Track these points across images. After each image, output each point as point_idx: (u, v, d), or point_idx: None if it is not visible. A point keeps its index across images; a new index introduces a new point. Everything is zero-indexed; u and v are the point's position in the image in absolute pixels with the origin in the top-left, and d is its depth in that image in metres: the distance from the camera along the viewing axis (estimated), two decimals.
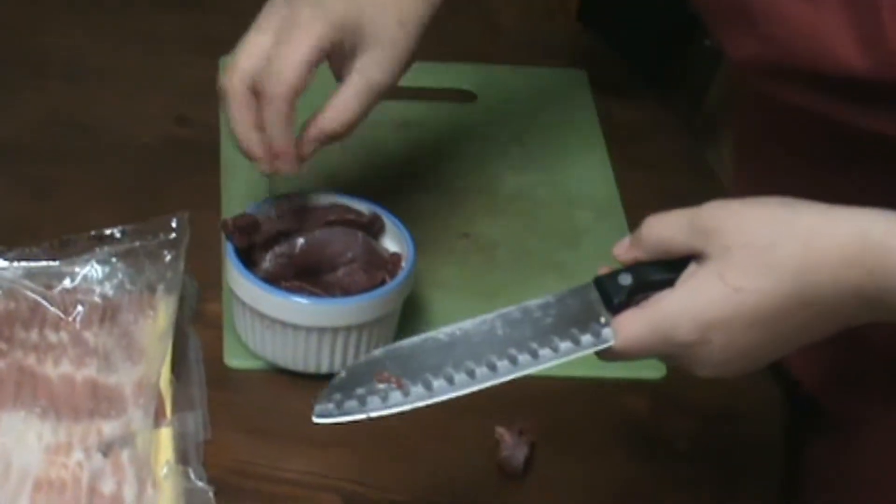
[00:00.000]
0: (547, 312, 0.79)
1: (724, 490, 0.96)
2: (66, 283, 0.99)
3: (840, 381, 1.01)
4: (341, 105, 0.94)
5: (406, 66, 0.96)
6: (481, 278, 1.07)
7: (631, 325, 0.77)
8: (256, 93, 0.93)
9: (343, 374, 0.78)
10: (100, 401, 0.93)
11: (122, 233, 1.01)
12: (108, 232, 1.02)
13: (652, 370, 0.99)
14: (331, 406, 0.77)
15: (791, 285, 0.74)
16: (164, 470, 0.89)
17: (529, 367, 0.78)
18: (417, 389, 0.77)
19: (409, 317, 1.01)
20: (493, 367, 0.77)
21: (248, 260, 0.96)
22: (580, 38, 1.36)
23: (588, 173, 1.18)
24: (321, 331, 0.94)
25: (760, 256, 0.74)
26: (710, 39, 1.06)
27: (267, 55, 0.92)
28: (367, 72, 0.94)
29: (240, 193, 1.02)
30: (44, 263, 0.99)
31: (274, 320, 0.94)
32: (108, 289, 0.99)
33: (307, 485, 0.92)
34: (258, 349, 0.98)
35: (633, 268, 0.79)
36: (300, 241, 0.97)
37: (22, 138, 1.14)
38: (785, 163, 0.97)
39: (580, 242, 1.11)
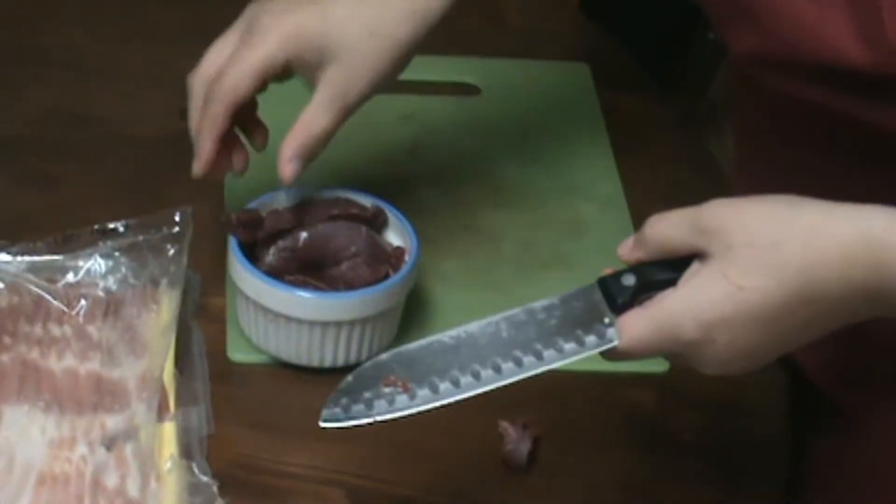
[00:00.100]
0: (551, 314, 0.79)
1: (729, 483, 0.96)
2: (70, 277, 0.99)
3: (845, 376, 1.01)
4: (308, 118, 0.94)
5: (382, 76, 0.94)
6: (485, 271, 1.06)
7: (635, 325, 0.77)
8: None
9: (350, 378, 0.78)
10: (103, 395, 0.93)
11: (126, 227, 1.01)
12: (111, 226, 1.01)
13: (657, 364, 0.98)
14: (338, 410, 0.77)
15: (794, 284, 0.74)
16: (168, 464, 0.89)
17: (534, 369, 0.78)
18: (424, 392, 0.77)
19: (413, 310, 1.01)
20: (498, 370, 0.78)
21: (252, 254, 0.96)
22: (583, 32, 1.36)
23: (591, 166, 1.17)
24: (325, 325, 0.94)
25: (763, 255, 0.74)
26: (713, 32, 1.06)
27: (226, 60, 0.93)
28: (333, 83, 0.93)
29: (242, 188, 1.02)
30: (47, 258, 0.99)
31: (277, 314, 0.94)
32: (112, 283, 0.99)
33: (311, 479, 0.92)
34: (261, 343, 0.97)
35: (637, 268, 0.79)
36: (303, 235, 0.97)
37: (25, 134, 1.14)
38: (786, 158, 0.97)
39: (584, 235, 1.11)
